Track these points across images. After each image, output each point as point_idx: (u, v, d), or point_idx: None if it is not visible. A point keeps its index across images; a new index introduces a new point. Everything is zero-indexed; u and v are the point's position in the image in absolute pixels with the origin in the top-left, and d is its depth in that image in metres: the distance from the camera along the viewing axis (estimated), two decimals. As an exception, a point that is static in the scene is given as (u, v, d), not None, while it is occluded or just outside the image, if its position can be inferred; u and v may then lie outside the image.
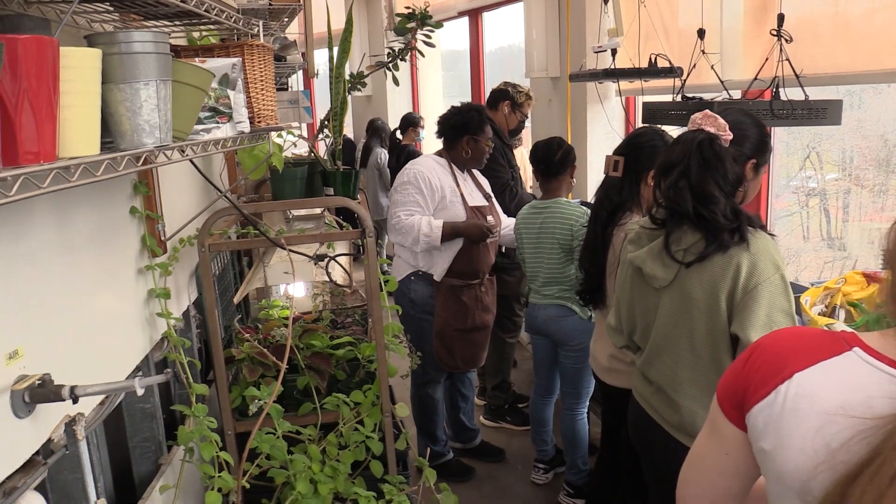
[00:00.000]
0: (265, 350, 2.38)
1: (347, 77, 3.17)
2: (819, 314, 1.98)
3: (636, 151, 2.36)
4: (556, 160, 3.01)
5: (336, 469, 2.22)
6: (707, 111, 1.81)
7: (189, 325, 2.49)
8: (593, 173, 4.51)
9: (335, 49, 3.12)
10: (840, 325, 1.89)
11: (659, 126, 2.54)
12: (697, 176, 1.73)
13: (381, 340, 2.34)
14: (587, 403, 3.14)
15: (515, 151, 5.36)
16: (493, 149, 3.32)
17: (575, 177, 3.14)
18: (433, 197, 3.13)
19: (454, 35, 6.86)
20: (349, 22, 3.03)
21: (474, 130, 3.19)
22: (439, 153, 3.28)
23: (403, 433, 2.41)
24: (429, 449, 3.10)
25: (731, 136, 1.75)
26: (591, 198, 4.41)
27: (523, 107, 3.90)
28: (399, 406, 2.36)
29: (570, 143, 4.66)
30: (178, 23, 1.90)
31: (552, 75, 4.72)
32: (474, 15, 6.25)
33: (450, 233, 3.09)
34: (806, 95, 2.67)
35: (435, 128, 3.36)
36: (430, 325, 3.21)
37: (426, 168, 3.17)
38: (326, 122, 3.14)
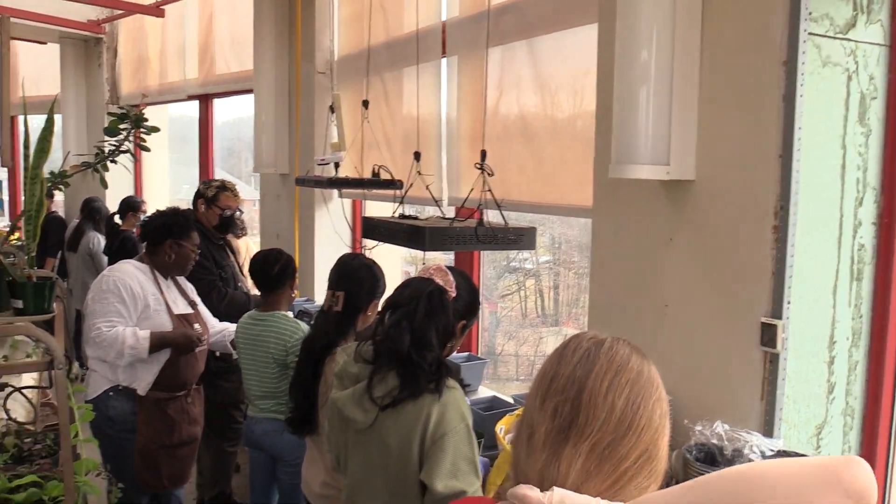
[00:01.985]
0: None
1: (47, 176, 2.92)
2: (511, 442, 2.15)
3: (357, 286, 2.45)
4: (273, 273, 3.00)
5: None
6: (441, 265, 1.96)
7: None
8: (321, 270, 4.56)
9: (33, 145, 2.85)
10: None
11: (364, 255, 2.66)
12: (421, 321, 1.83)
13: (70, 485, 2.12)
14: (306, 521, 3.09)
15: (241, 241, 5.27)
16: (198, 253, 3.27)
17: (297, 287, 3.16)
18: (136, 306, 2.97)
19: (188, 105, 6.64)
20: (49, 121, 2.79)
21: (178, 234, 3.11)
22: (141, 259, 3.14)
23: (94, 585, 2.18)
24: (129, 588, 2.83)
25: (454, 294, 1.89)
26: (318, 296, 4.45)
27: (218, 200, 3.83)
28: (89, 558, 2.14)
29: (297, 239, 4.72)
30: None
31: (281, 171, 4.76)
32: (205, 100, 6.12)
33: (157, 343, 2.95)
34: (506, 222, 2.96)
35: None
36: (130, 444, 2.98)
37: (127, 275, 3.01)
38: (18, 226, 2.84)
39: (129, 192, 6.83)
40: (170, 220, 3.14)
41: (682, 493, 0.80)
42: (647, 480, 0.95)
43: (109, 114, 3.11)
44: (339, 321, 2.43)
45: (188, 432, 3.13)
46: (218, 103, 6.25)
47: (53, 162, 3.11)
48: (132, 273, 3.04)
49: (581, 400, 0.95)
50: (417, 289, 1.89)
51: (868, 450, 2.08)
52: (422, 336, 1.83)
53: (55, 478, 2.38)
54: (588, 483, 0.92)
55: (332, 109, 3.96)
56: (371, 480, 1.88)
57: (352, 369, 1.92)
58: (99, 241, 5.77)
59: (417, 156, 3.36)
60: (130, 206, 5.70)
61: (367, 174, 3.67)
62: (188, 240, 3.14)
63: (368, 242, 3.56)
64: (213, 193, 3.82)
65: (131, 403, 2.99)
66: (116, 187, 6.65)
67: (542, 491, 0.91)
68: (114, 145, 3.04)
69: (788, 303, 1.93)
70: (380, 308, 2.02)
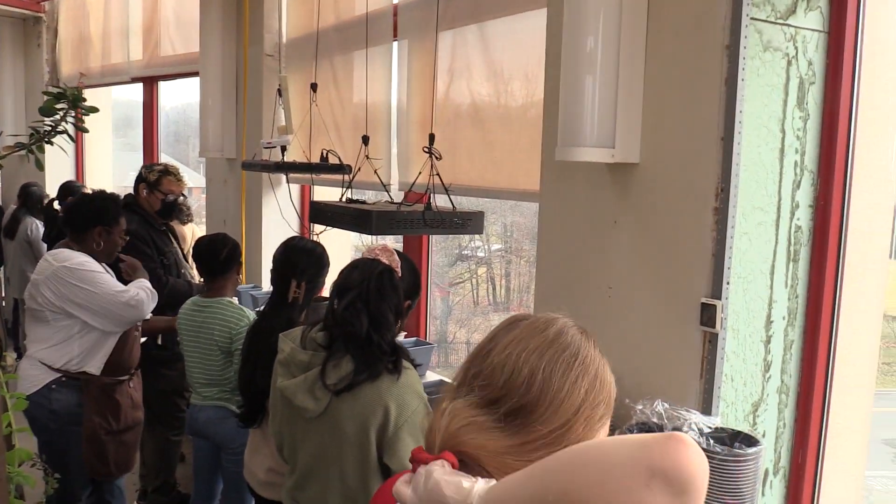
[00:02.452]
0: None
1: (-22, 157, 2.80)
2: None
3: (313, 275, 2.44)
4: (220, 259, 2.94)
5: None
6: (387, 245, 1.93)
7: None
8: (268, 255, 4.49)
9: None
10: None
11: (309, 239, 2.64)
12: (375, 302, 1.82)
13: (2, 475, 2.04)
14: (251, 509, 3.05)
15: (186, 228, 5.16)
16: (138, 239, 3.22)
17: (241, 273, 3.10)
18: None
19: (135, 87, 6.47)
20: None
21: (107, 221, 3.00)
22: (69, 245, 3.02)
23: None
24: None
25: (400, 274, 1.88)
26: (265, 283, 4.38)
27: (161, 184, 3.74)
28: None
29: (244, 224, 4.63)
30: None
31: (228, 156, 4.66)
32: (149, 82, 5.97)
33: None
34: (454, 206, 2.94)
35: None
36: (74, 437, 2.91)
37: (80, 256, 2.93)
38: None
39: (71, 177, 6.63)
40: (99, 207, 3.01)
41: (526, 478, 0.79)
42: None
43: (45, 93, 2.98)
44: (300, 311, 2.42)
45: (132, 417, 3.09)
46: (166, 87, 6.13)
47: (-12, 145, 2.98)
48: (80, 256, 2.96)
49: (485, 360, 0.98)
50: (366, 270, 1.86)
51: (802, 426, 2.13)
52: (379, 316, 1.81)
53: (-13, 468, 2.30)
54: (474, 430, 0.92)
55: (279, 92, 3.90)
56: (324, 468, 1.85)
57: (301, 357, 1.87)
58: (37, 227, 5.58)
59: (366, 140, 3.32)
60: (70, 191, 5.50)
61: (316, 159, 3.62)
62: (117, 226, 3.04)
63: (316, 227, 3.52)
64: (156, 178, 3.73)
65: (76, 394, 2.92)
66: (57, 172, 6.48)
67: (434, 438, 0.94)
68: (49, 125, 2.92)
69: (727, 283, 1.96)
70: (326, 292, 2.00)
